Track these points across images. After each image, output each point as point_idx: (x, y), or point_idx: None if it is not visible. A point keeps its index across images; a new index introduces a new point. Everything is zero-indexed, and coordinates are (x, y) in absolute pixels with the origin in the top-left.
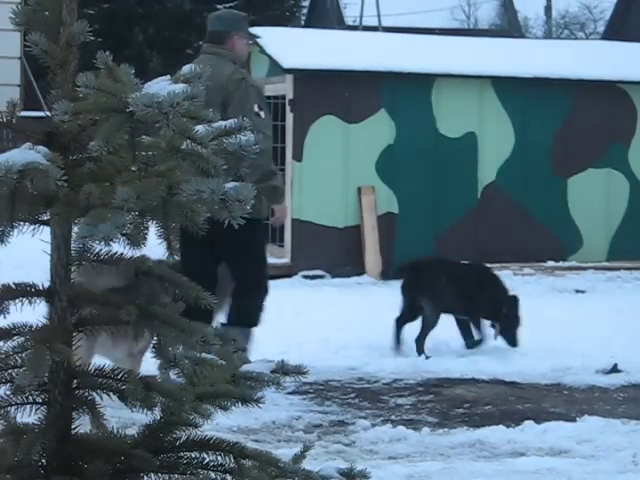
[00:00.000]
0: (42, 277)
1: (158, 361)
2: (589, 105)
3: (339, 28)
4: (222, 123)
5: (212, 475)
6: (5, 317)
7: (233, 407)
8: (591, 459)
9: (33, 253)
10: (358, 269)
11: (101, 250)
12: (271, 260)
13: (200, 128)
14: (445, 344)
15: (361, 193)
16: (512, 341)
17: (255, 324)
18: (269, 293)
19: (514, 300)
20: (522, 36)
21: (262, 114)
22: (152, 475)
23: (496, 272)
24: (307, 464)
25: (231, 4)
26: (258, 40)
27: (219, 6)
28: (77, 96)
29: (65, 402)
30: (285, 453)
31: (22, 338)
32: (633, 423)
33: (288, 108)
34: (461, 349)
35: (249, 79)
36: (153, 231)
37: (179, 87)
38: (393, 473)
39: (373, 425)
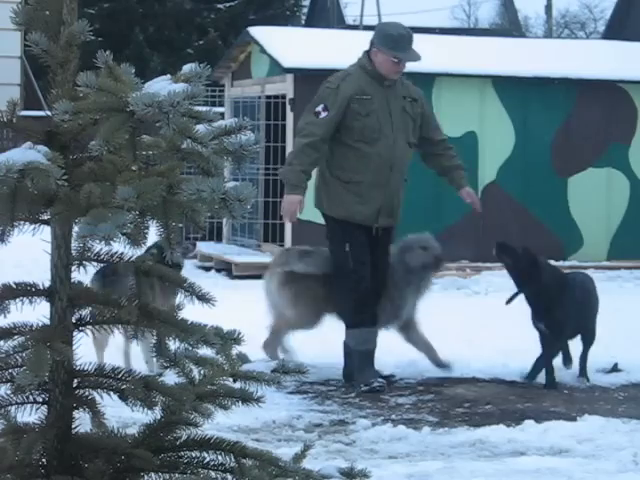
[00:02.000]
0: (42, 276)
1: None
2: (589, 104)
3: (339, 27)
4: (222, 122)
5: (212, 474)
6: (5, 316)
7: (233, 406)
8: (592, 458)
9: (33, 252)
10: None
11: (101, 249)
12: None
13: (200, 127)
14: (446, 343)
15: None
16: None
17: (348, 325)
18: (349, 287)
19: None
20: (522, 35)
21: (324, 114)
22: (152, 474)
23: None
24: (307, 463)
25: (231, 3)
26: (258, 40)
27: (219, 6)
28: (77, 95)
29: (65, 401)
30: (285, 452)
31: (22, 337)
32: (634, 422)
33: (288, 107)
34: (461, 349)
35: (332, 81)
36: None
37: (179, 86)
38: (393, 472)
39: (373, 424)
